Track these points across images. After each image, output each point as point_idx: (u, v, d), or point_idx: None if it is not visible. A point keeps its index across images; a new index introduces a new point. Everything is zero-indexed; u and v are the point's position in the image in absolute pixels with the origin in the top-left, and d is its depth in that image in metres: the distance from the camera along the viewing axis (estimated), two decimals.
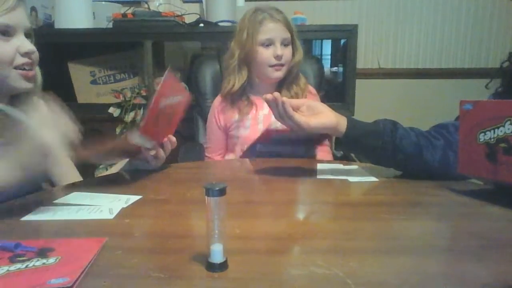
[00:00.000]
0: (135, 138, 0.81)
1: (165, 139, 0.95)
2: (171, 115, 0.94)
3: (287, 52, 1.29)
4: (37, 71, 0.90)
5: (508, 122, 0.70)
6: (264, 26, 1.26)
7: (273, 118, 0.92)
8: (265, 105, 1.28)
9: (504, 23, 2.20)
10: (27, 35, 0.85)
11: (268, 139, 1.29)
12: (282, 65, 1.29)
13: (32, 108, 0.89)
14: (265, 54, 1.27)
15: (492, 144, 0.74)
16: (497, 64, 1.02)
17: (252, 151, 1.29)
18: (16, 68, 0.82)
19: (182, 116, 0.98)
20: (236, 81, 1.30)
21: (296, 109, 0.87)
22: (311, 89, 1.42)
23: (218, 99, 1.38)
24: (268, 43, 1.27)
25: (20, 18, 0.82)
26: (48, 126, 0.67)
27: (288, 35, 1.29)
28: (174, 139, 0.97)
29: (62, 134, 0.67)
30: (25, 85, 0.84)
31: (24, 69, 0.83)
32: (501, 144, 0.72)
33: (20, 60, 0.82)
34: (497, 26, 2.21)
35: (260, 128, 1.30)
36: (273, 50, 1.27)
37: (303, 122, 0.84)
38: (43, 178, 0.67)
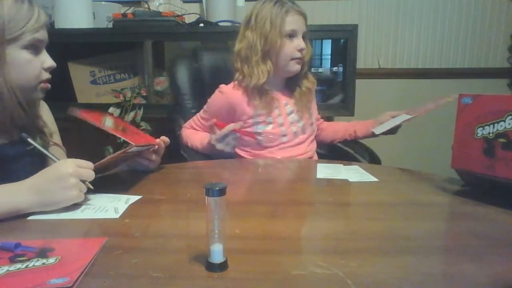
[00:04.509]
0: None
1: (158, 140, 0.96)
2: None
3: (307, 46, 1.28)
4: None
5: (510, 117, 0.69)
6: (291, 17, 1.23)
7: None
8: (281, 100, 1.29)
9: (504, 23, 2.20)
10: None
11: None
12: (302, 58, 1.27)
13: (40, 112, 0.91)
14: (289, 47, 1.24)
15: (490, 139, 0.72)
16: (497, 64, 1.01)
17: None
18: (40, 82, 0.83)
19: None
20: (261, 75, 1.24)
21: None
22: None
23: (236, 91, 1.26)
24: (293, 35, 1.25)
25: (46, 34, 0.83)
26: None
27: (306, 30, 1.28)
28: (167, 139, 0.97)
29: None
30: (42, 96, 0.87)
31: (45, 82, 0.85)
32: (500, 139, 0.71)
33: (44, 76, 0.84)
34: (497, 26, 2.21)
35: (281, 122, 1.28)
36: (297, 43, 1.24)
37: None
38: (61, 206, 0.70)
